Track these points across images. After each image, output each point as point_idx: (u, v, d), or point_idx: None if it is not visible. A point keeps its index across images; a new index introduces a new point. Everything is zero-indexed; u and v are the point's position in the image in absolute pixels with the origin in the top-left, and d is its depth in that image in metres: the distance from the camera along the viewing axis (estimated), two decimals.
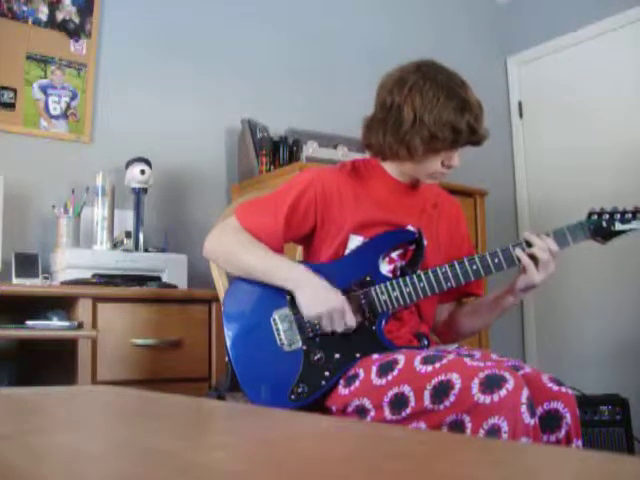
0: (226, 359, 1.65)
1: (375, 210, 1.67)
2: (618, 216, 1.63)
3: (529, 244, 1.60)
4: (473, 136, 1.60)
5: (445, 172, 1.66)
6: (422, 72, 1.61)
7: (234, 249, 1.64)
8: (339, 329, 1.57)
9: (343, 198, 1.66)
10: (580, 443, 1.47)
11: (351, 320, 1.57)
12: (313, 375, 1.57)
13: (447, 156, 1.62)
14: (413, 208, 1.73)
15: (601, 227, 1.63)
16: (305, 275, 1.58)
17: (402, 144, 1.60)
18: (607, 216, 1.63)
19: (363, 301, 1.60)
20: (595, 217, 1.63)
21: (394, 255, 1.67)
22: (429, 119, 1.56)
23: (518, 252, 1.60)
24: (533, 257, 1.59)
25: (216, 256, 1.69)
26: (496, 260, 1.61)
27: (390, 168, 1.71)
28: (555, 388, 1.47)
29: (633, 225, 1.63)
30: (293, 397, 1.55)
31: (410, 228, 1.68)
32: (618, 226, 1.63)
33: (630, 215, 1.63)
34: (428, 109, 1.56)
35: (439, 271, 1.61)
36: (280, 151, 2.91)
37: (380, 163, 1.73)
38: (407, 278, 1.61)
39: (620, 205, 1.65)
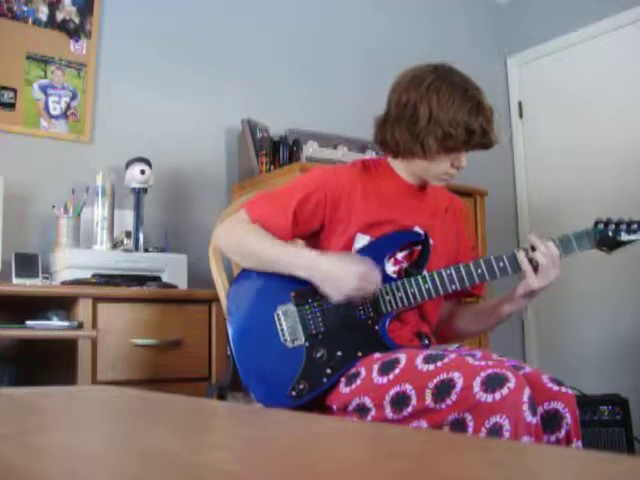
0: (227, 353, 1.65)
1: (383, 210, 1.67)
2: (624, 226, 1.61)
3: (533, 248, 1.60)
4: (484, 138, 1.61)
5: (453, 174, 1.67)
6: (438, 73, 1.63)
7: (246, 238, 1.64)
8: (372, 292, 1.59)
9: (352, 197, 1.66)
10: (580, 443, 1.47)
11: (374, 282, 1.57)
12: (315, 372, 1.57)
13: (456, 157, 1.64)
14: (421, 210, 1.73)
15: (607, 237, 1.61)
16: (317, 262, 1.57)
17: (417, 142, 1.61)
18: (613, 226, 1.62)
19: (367, 300, 1.60)
20: (602, 226, 1.62)
21: (400, 256, 1.67)
22: (444, 118, 1.57)
23: (519, 256, 1.60)
24: (534, 262, 1.59)
25: (227, 245, 1.69)
26: (501, 264, 1.61)
27: (399, 168, 1.72)
28: (555, 388, 1.47)
29: (639, 236, 1.62)
30: (294, 394, 1.56)
31: (417, 229, 1.69)
32: (624, 236, 1.61)
33: (636, 225, 1.61)
34: (444, 109, 1.58)
35: (444, 273, 1.61)
36: (280, 151, 2.91)
37: (389, 164, 1.73)
38: (412, 279, 1.62)
39: (621, 208, 1.64)
